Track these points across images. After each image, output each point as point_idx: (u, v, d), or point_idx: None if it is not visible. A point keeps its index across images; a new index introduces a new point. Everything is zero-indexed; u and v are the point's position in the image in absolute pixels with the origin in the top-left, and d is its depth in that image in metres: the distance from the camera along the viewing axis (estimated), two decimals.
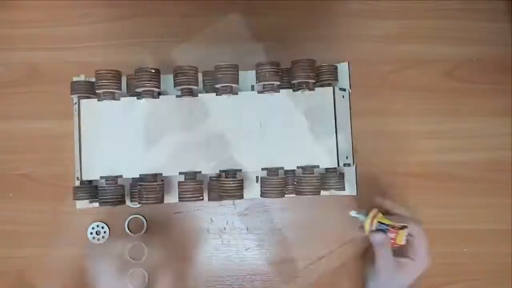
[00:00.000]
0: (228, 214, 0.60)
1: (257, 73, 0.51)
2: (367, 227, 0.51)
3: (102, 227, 0.59)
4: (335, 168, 0.51)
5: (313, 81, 0.50)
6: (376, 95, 0.60)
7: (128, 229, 0.59)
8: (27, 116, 0.61)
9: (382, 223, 0.51)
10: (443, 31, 0.63)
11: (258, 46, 0.62)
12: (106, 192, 0.49)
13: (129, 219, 0.59)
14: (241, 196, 0.49)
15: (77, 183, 0.52)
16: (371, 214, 0.52)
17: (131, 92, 0.52)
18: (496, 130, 0.62)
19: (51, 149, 0.60)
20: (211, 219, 0.60)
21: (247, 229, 0.60)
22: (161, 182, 0.50)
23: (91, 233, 0.59)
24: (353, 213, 0.53)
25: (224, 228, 0.60)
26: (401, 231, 0.51)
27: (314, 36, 0.63)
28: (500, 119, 0.62)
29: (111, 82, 0.50)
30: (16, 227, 0.60)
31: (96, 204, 0.52)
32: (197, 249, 0.60)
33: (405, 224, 0.51)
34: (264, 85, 0.51)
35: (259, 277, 0.59)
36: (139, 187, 0.49)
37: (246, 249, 0.60)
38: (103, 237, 0.59)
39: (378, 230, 0.51)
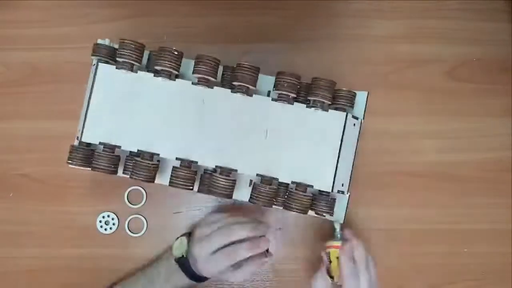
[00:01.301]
0: None
1: (276, 80, 0.51)
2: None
3: (112, 218, 0.59)
4: (328, 192, 0.51)
5: (329, 102, 0.50)
6: (376, 95, 0.60)
7: (128, 229, 0.59)
8: (27, 116, 0.61)
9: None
10: (443, 31, 0.63)
11: (259, 46, 0.62)
12: (101, 158, 0.49)
13: (129, 219, 0.59)
14: (230, 196, 0.49)
15: (76, 142, 0.52)
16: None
17: (150, 68, 0.52)
18: (496, 130, 0.62)
19: (51, 149, 0.60)
20: None
21: None
22: (156, 163, 0.50)
23: (100, 222, 0.59)
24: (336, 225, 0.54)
25: None
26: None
27: (314, 36, 0.63)
28: (500, 119, 0.62)
29: (133, 54, 0.50)
30: (16, 227, 0.60)
31: (87, 168, 0.51)
32: None
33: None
34: (280, 94, 0.50)
35: (259, 277, 0.59)
36: (133, 161, 0.49)
37: None
38: (110, 228, 0.59)
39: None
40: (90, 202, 0.60)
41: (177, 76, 0.51)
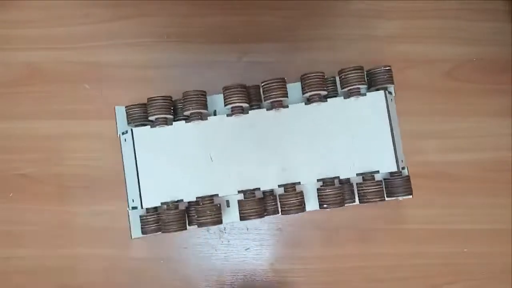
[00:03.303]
0: None
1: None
2: None
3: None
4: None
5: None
6: None
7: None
8: (27, 116, 0.61)
9: None
10: (443, 31, 0.63)
11: (259, 46, 0.62)
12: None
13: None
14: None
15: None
16: None
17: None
18: (496, 130, 0.62)
19: (51, 149, 0.60)
20: None
21: (247, 229, 0.60)
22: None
23: None
24: None
25: (224, 228, 0.60)
26: None
27: (314, 36, 0.63)
28: (500, 119, 0.62)
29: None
30: (16, 227, 0.60)
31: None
32: (197, 249, 0.59)
33: None
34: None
35: (259, 277, 0.59)
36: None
37: (246, 249, 0.60)
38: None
39: None
40: (90, 202, 0.59)
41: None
